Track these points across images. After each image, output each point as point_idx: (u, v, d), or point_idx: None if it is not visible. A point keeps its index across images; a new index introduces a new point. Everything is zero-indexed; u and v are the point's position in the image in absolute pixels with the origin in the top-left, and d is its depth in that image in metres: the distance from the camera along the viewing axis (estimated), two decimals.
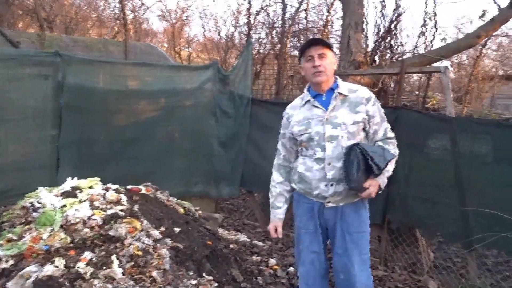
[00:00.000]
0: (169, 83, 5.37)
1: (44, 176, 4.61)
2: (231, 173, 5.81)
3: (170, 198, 4.51)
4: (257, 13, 8.86)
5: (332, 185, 2.67)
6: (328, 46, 2.72)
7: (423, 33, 6.33)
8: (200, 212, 4.65)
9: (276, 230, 3.03)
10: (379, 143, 2.74)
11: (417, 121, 4.18)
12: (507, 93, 15.63)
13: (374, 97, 2.77)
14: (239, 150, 5.73)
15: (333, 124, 2.67)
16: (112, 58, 6.28)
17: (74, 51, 6.78)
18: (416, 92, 8.63)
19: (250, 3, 9.12)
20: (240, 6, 12.06)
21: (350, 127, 2.65)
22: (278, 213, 3.03)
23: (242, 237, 5.07)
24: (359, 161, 2.52)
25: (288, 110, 2.96)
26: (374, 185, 2.64)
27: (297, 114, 2.84)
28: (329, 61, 2.70)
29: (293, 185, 2.93)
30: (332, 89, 2.74)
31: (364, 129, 2.74)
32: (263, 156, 5.45)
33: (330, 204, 2.72)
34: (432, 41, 6.49)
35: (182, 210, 4.30)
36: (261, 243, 4.92)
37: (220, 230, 5.05)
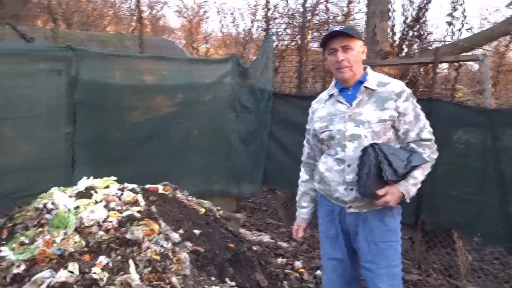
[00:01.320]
0: (187, 77, 5.15)
1: (59, 175, 4.44)
2: (253, 171, 5.58)
3: (190, 198, 4.30)
4: (275, 6, 8.64)
5: (352, 189, 2.38)
6: (354, 35, 2.38)
7: (451, 23, 6.00)
8: (221, 212, 4.43)
9: (298, 231, 2.81)
10: (412, 145, 2.39)
11: (454, 114, 3.88)
12: None
13: (408, 91, 2.41)
14: (261, 146, 5.50)
15: (356, 122, 2.37)
16: (128, 52, 6.08)
17: (89, 46, 6.61)
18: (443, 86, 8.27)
19: None
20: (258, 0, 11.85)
21: (374, 126, 2.34)
22: (302, 212, 2.81)
23: (266, 238, 4.84)
24: (370, 164, 2.22)
25: (313, 104, 2.70)
26: (392, 193, 2.29)
27: (321, 109, 2.58)
28: (356, 52, 2.38)
29: (315, 184, 2.68)
30: (360, 82, 2.44)
31: (395, 128, 2.40)
32: (286, 152, 5.22)
33: (351, 210, 2.44)
34: (460, 30, 6.16)
35: (203, 210, 4.08)
36: (285, 244, 4.69)
37: (242, 231, 4.83)
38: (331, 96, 2.54)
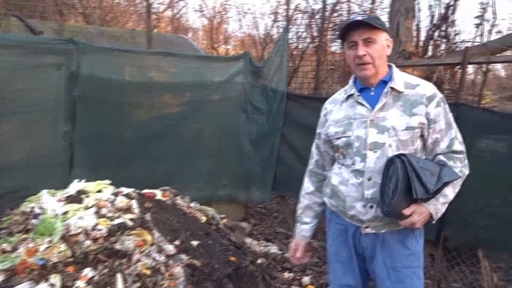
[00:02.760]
0: (196, 75, 4.85)
1: (56, 175, 4.20)
2: (263, 176, 5.26)
3: (192, 204, 4.01)
4: (296, 7, 8.31)
5: (371, 207, 2.03)
6: (378, 26, 2.01)
7: (480, 24, 5.58)
8: (225, 220, 4.13)
9: (296, 250, 2.45)
10: (441, 157, 2.04)
11: (483, 120, 3.49)
12: None
13: (440, 95, 2.05)
14: (272, 150, 5.18)
15: (380, 128, 2.01)
16: (135, 47, 5.81)
17: (100, 42, 6.38)
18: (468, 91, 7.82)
19: None
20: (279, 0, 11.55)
21: (401, 134, 1.99)
22: (303, 229, 2.44)
23: (273, 249, 4.52)
24: (398, 179, 1.87)
25: (327, 104, 2.33)
26: (419, 213, 1.95)
27: (337, 111, 2.22)
28: (380, 47, 2.02)
29: (325, 199, 2.31)
30: (384, 82, 2.08)
31: (422, 136, 2.05)
32: (298, 157, 4.88)
33: (368, 230, 2.08)
34: (490, 31, 5.73)
35: (204, 218, 3.79)
36: None
37: (248, 240, 4.52)
38: (349, 96, 2.18)
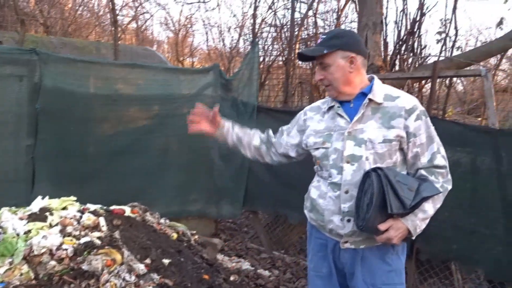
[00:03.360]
0: (164, 88, 4.74)
1: (17, 192, 4.00)
2: (233, 191, 5.16)
3: (162, 221, 3.87)
4: (263, 20, 8.33)
5: (349, 221, 1.99)
6: (324, 52, 2.02)
7: (443, 39, 5.72)
8: (196, 237, 4.00)
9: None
10: (422, 171, 2.00)
11: (454, 134, 3.52)
12: None
13: (421, 108, 2.03)
14: (243, 164, 5.08)
15: (357, 141, 1.99)
16: (100, 59, 5.64)
17: (63, 52, 6.17)
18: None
19: (255, 9, 8.63)
20: (245, 14, 11.60)
21: (378, 146, 1.96)
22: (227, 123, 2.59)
23: (245, 265, 4.41)
24: (372, 193, 1.83)
25: (308, 110, 2.31)
26: (396, 229, 1.90)
27: (318, 121, 2.19)
28: (334, 69, 2.02)
29: (305, 212, 2.28)
30: (364, 94, 2.05)
31: (402, 150, 2.02)
32: (270, 172, 4.80)
33: (347, 245, 2.04)
34: (452, 47, 5.88)
35: (175, 235, 3.66)
36: (267, 273, 4.28)
37: (220, 257, 4.40)
38: (331, 108, 2.15)
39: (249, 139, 2.52)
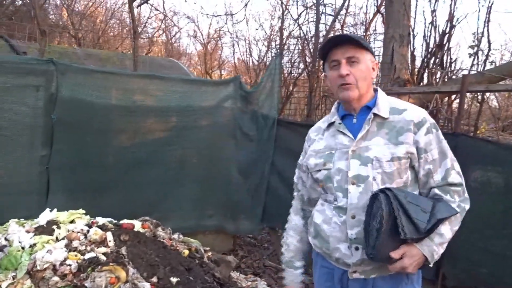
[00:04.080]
0: (183, 99, 4.64)
1: (31, 203, 3.95)
2: (252, 206, 5.01)
3: (175, 236, 3.75)
4: (289, 34, 8.24)
5: (357, 248, 1.78)
6: (363, 45, 1.82)
7: (475, 53, 5.47)
8: (210, 253, 3.86)
9: None
10: (436, 191, 1.79)
11: (485, 151, 3.29)
12: None
13: (431, 121, 1.82)
14: (261, 179, 4.95)
15: (362, 160, 1.79)
16: (117, 69, 5.61)
17: (87, 63, 6.20)
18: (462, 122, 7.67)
19: (282, 22, 8.55)
20: (273, 27, 11.54)
21: (386, 165, 1.76)
22: (295, 274, 2.12)
23: (261, 284, 4.24)
24: (382, 216, 1.62)
25: (311, 132, 2.10)
26: (411, 256, 1.69)
27: (318, 140, 1.99)
28: (364, 67, 1.82)
29: (310, 239, 2.04)
30: (369, 108, 1.86)
31: (414, 168, 1.81)
32: (289, 187, 4.58)
33: (356, 275, 1.82)
34: (485, 61, 5.62)
35: (186, 252, 3.52)
36: None
37: (235, 274, 4.24)
38: (331, 125, 1.95)
39: (302, 244, 2.14)
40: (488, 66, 5.45)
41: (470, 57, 5.65)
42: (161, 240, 3.45)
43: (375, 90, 1.93)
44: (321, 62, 5.60)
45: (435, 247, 1.72)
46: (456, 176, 1.81)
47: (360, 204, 1.75)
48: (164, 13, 11.67)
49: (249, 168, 5.01)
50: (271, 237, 5.78)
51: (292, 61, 7.61)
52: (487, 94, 8.20)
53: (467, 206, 1.82)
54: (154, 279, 2.89)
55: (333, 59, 1.83)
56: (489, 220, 3.35)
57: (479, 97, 6.17)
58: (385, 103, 1.85)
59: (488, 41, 5.43)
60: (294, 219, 2.17)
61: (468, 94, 6.82)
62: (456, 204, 1.77)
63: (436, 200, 1.76)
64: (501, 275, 3.27)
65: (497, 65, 5.42)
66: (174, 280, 2.97)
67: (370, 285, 1.82)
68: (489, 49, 5.45)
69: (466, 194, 1.83)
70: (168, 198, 4.63)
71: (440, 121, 5.10)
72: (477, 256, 3.40)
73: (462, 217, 1.80)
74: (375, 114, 1.82)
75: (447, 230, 1.74)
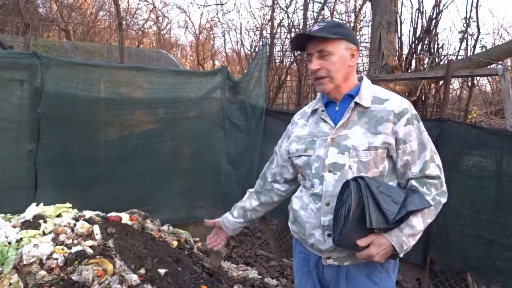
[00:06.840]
0: (170, 91, 4.62)
1: (20, 198, 3.92)
2: (242, 196, 4.96)
3: (164, 228, 3.77)
4: (280, 22, 8.21)
5: (329, 235, 1.79)
6: (331, 37, 1.77)
7: (464, 39, 5.47)
8: (200, 244, 3.89)
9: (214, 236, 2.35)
10: (413, 182, 1.79)
11: (470, 137, 3.30)
12: None
13: (412, 112, 1.82)
14: (251, 168, 4.94)
15: (340, 148, 1.79)
16: (106, 62, 5.57)
17: (74, 56, 6.15)
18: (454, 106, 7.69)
19: (273, 11, 8.51)
20: (265, 16, 11.50)
21: (362, 154, 1.76)
22: (227, 218, 2.30)
23: (252, 273, 4.25)
24: (350, 204, 1.63)
25: (296, 116, 2.12)
26: (378, 245, 1.69)
27: (302, 126, 2.00)
28: (337, 58, 1.79)
29: (289, 224, 2.07)
30: (351, 96, 1.85)
31: (391, 158, 1.82)
32: None
33: (329, 261, 1.84)
34: (474, 46, 5.62)
35: (175, 243, 3.54)
36: (274, 281, 4.10)
37: (226, 264, 4.26)
38: (315, 111, 1.96)
39: (249, 205, 2.26)
40: (478, 51, 5.45)
41: (460, 42, 5.66)
42: (149, 232, 3.46)
43: (361, 78, 1.92)
44: None
45: (405, 238, 1.72)
46: (434, 169, 1.80)
47: (335, 192, 1.75)
48: (153, 4, 11.56)
49: (239, 158, 5.00)
50: (262, 226, 5.79)
51: (284, 50, 7.59)
52: (478, 78, 8.21)
53: (444, 200, 1.82)
54: (142, 271, 2.90)
55: (307, 52, 1.85)
56: (476, 205, 3.37)
57: (469, 82, 6.19)
58: (367, 92, 1.85)
59: (477, 26, 5.43)
60: (257, 182, 2.31)
61: (459, 79, 6.84)
62: (431, 197, 1.77)
63: (412, 191, 1.77)
64: (488, 260, 3.30)
65: (487, 49, 5.42)
66: (162, 271, 2.98)
67: (344, 272, 1.84)
68: (478, 34, 5.45)
69: (444, 188, 1.83)
70: (158, 190, 4.63)
71: (430, 107, 5.11)
72: (464, 240, 3.42)
73: (438, 211, 1.81)
74: (356, 103, 1.82)
75: (419, 222, 1.74)
